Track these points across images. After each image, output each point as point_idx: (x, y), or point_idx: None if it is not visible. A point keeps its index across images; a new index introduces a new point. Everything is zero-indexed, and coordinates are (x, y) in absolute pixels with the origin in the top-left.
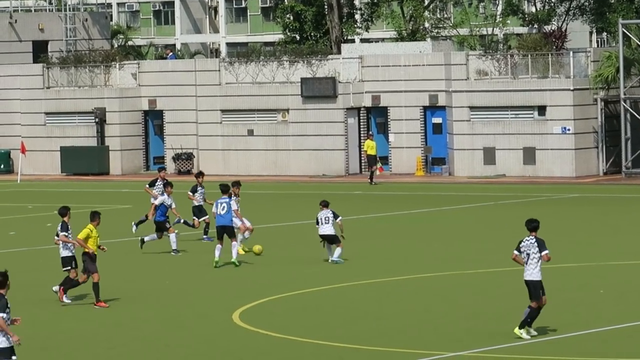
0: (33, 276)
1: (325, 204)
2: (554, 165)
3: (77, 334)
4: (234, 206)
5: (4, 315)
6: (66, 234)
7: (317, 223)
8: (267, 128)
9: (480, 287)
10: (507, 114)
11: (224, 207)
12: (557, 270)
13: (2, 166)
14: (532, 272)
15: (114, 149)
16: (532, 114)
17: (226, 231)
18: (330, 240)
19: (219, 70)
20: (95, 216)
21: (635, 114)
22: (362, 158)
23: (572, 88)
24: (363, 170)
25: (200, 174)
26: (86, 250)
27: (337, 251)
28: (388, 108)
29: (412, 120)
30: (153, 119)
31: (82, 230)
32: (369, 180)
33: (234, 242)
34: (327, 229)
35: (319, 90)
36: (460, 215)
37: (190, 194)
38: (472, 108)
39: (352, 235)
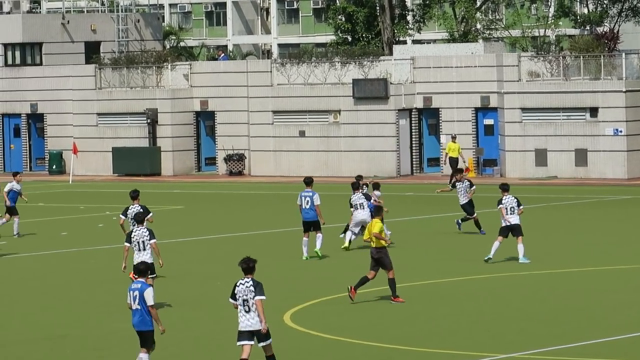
0: (84, 277)
1: (506, 188)
2: (606, 167)
3: (129, 333)
4: (317, 201)
5: (263, 297)
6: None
7: (501, 203)
8: (318, 129)
9: (533, 288)
10: (559, 116)
11: (307, 201)
12: (610, 272)
13: (54, 167)
14: None
15: (165, 149)
16: (584, 115)
17: (312, 225)
18: (518, 231)
19: (271, 72)
20: (379, 211)
21: None
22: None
23: (624, 89)
24: (414, 171)
25: (459, 171)
26: (385, 244)
27: (521, 248)
28: (440, 109)
29: (464, 122)
30: (205, 119)
31: (374, 224)
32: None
33: (319, 234)
34: (515, 219)
35: (371, 92)
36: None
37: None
38: (523, 109)
39: (403, 238)
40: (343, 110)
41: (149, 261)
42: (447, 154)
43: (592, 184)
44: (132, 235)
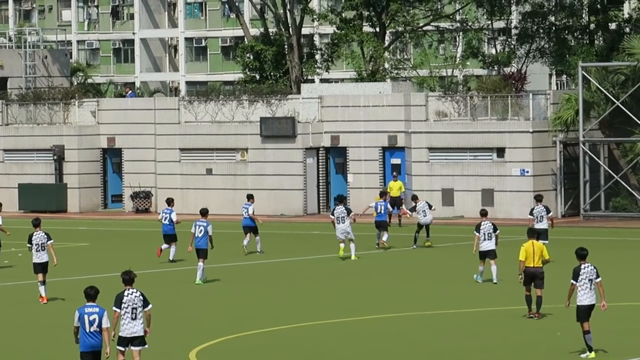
0: None
1: (484, 213)
2: (512, 207)
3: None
4: (210, 231)
5: (152, 306)
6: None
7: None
8: (225, 167)
9: (440, 327)
10: (466, 156)
11: (201, 230)
12: (516, 311)
13: None
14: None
15: (72, 186)
16: (490, 155)
17: (202, 252)
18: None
19: (178, 109)
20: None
21: (594, 157)
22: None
23: (531, 130)
24: (321, 210)
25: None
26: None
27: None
28: (347, 148)
29: (371, 161)
30: (112, 156)
31: (545, 250)
32: (395, 222)
33: (201, 264)
34: (491, 244)
35: (278, 130)
36: (419, 256)
37: None
38: (431, 149)
39: (311, 275)
40: (250, 149)
41: None
42: (388, 192)
43: (499, 224)
44: None
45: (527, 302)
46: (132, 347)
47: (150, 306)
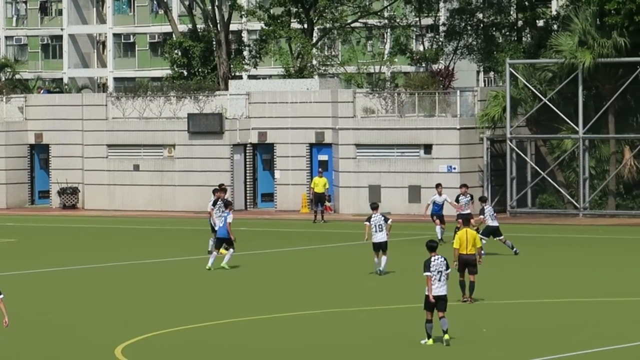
0: None
1: (375, 207)
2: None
3: None
4: (229, 219)
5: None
6: None
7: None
8: (153, 163)
9: (365, 324)
10: (393, 152)
11: (222, 220)
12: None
13: None
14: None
15: None
16: (418, 152)
17: (225, 241)
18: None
19: (106, 105)
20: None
21: (521, 154)
22: (309, 195)
23: (458, 127)
24: (248, 206)
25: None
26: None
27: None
28: (274, 145)
29: (298, 157)
30: (39, 152)
31: (477, 238)
32: (318, 218)
33: (231, 250)
34: (382, 236)
35: (206, 126)
36: (345, 253)
37: None
38: (358, 146)
39: (238, 271)
40: (178, 145)
41: None
42: (312, 188)
43: (425, 220)
44: None
45: (461, 287)
46: None
47: (1, 296)
